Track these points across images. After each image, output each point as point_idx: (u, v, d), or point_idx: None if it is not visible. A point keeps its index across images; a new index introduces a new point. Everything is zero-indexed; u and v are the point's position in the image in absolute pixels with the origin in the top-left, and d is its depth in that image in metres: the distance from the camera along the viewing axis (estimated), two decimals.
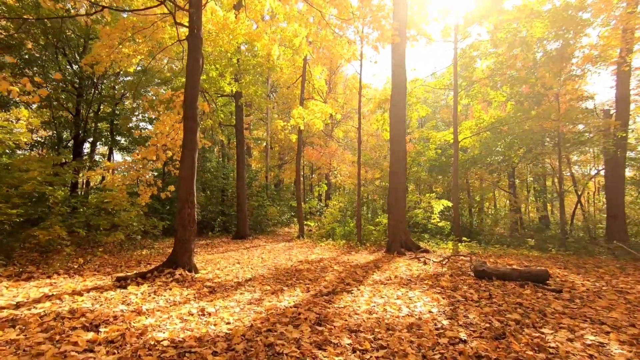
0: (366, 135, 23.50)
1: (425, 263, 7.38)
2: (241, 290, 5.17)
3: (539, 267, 6.46)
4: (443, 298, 4.66)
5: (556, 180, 17.68)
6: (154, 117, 13.42)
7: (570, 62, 13.36)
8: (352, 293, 4.96)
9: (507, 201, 19.02)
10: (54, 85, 15.14)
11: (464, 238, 11.18)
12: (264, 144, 24.89)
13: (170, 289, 4.91)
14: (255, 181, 21.14)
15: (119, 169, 9.21)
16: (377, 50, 8.29)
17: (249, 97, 13.37)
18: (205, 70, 12.60)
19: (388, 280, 5.87)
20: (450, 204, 13.43)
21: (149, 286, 5.07)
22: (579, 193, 16.44)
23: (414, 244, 10.16)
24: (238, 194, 14.28)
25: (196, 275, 5.98)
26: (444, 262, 7.34)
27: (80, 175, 14.79)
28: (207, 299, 4.57)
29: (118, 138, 16.31)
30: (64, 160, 13.25)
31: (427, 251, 9.77)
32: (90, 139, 16.23)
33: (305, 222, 16.40)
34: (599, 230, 15.87)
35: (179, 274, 5.66)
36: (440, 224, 13.06)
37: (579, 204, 16.21)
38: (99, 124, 16.82)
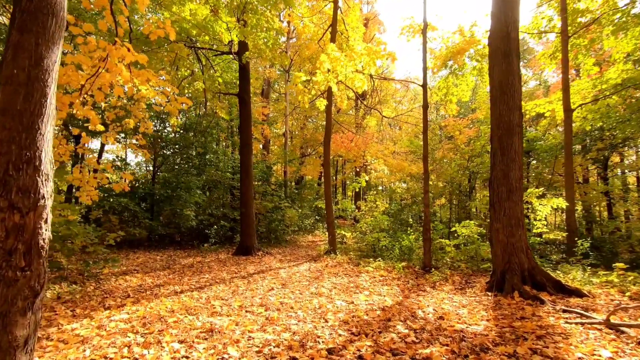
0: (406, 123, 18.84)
1: None
2: None
3: None
4: None
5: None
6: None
7: None
8: None
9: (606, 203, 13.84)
10: None
11: (619, 264, 6.39)
12: (283, 139, 20.76)
13: None
14: (271, 177, 17.02)
15: None
16: None
17: (257, 50, 9.21)
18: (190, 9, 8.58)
19: None
20: (564, 205, 8.62)
21: None
22: None
23: (548, 276, 5.53)
24: (242, 190, 10.07)
25: None
26: None
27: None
28: None
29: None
30: None
31: (577, 293, 5.14)
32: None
33: (337, 231, 12.01)
34: None
35: None
36: (551, 236, 8.29)
37: None
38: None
